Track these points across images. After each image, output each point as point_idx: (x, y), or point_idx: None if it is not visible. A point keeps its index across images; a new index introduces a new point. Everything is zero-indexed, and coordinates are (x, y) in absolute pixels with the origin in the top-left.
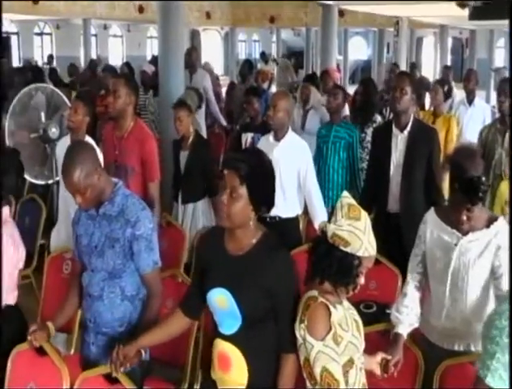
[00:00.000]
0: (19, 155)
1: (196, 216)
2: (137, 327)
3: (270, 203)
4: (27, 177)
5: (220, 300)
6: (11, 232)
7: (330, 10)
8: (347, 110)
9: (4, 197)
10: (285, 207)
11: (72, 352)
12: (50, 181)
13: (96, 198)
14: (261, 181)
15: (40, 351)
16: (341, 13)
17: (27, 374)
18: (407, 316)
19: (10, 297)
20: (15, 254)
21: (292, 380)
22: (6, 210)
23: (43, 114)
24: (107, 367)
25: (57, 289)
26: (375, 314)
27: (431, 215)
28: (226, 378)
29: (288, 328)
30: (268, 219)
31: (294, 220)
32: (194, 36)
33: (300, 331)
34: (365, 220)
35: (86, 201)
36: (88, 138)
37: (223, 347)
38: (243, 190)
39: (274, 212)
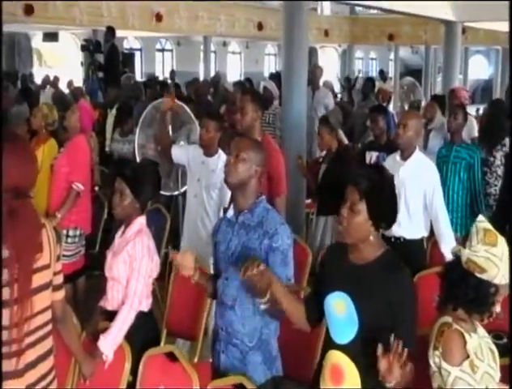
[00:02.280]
0: (156, 167)
1: (325, 231)
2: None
3: (391, 220)
4: None
5: (338, 304)
6: (147, 241)
7: (454, 28)
8: (475, 131)
9: (141, 207)
10: (410, 228)
11: (196, 359)
12: (176, 193)
13: (240, 187)
14: (381, 197)
15: (171, 356)
16: (462, 30)
17: (158, 379)
18: None
19: (144, 305)
20: (149, 263)
21: None
22: (142, 219)
23: (170, 127)
24: (236, 377)
25: (182, 298)
26: (506, 345)
27: None
28: None
29: (407, 343)
30: (392, 239)
31: (419, 242)
32: (312, 53)
33: (434, 358)
34: (503, 246)
35: (234, 169)
36: (221, 153)
37: (337, 358)
38: (362, 206)
39: (398, 233)
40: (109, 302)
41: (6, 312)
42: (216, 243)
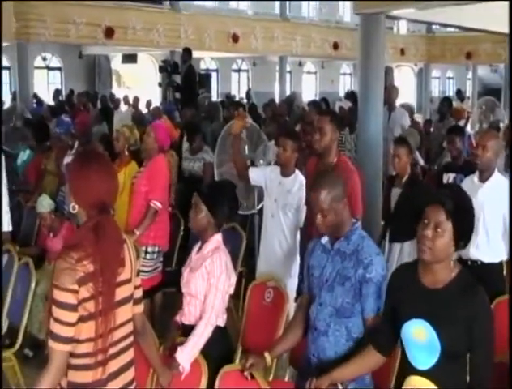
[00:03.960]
0: (234, 188)
1: (401, 257)
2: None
3: (468, 240)
4: None
5: (418, 331)
6: (225, 258)
7: None
8: None
9: (217, 225)
10: (488, 251)
11: (271, 378)
12: (251, 212)
13: (334, 227)
14: (465, 217)
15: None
16: None
17: None
18: None
19: (220, 320)
20: (227, 280)
21: None
22: (219, 237)
23: (246, 147)
24: None
25: (258, 316)
26: None
27: None
28: None
29: (482, 367)
30: (469, 262)
31: (497, 266)
32: (388, 72)
33: None
34: None
35: (325, 224)
36: (298, 173)
37: (419, 384)
38: (448, 226)
39: (476, 256)
40: (186, 317)
41: (91, 324)
42: (310, 267)
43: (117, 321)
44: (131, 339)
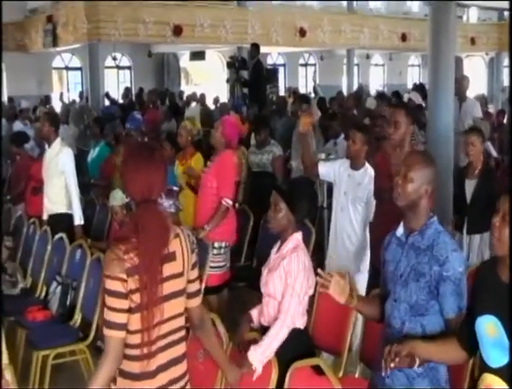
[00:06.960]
0: (313, 185)
1: (482, 248)
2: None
3: None
4: None
5: (489, 327)
6: (303, 258)
7: None
8: None
9: (296, 223)
10: None
11: (340, 374)
12: (319, 205)
13: (409, 206)
14: None
15: (317, 370)
16: None
17: None
18: None
19: (300, 322)
20: (304, 281)
21: None
22: (298, 235)
23: (314, 141)
24: None
25: (328, 312)
26: None
27: None
28: None
29: None
30: None
31: None
32: (457, 63)
33: None
34: None
35: (404, 191)
36: (368, 166)
37: (490, 382)
38: None
39: None
40: (265, 318)
41: (138, 316)
42: (385, 262)
43: (166, 315)
44: (182, 333)
